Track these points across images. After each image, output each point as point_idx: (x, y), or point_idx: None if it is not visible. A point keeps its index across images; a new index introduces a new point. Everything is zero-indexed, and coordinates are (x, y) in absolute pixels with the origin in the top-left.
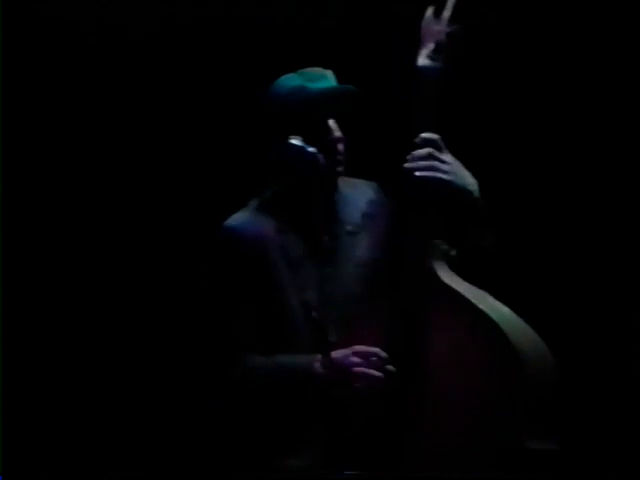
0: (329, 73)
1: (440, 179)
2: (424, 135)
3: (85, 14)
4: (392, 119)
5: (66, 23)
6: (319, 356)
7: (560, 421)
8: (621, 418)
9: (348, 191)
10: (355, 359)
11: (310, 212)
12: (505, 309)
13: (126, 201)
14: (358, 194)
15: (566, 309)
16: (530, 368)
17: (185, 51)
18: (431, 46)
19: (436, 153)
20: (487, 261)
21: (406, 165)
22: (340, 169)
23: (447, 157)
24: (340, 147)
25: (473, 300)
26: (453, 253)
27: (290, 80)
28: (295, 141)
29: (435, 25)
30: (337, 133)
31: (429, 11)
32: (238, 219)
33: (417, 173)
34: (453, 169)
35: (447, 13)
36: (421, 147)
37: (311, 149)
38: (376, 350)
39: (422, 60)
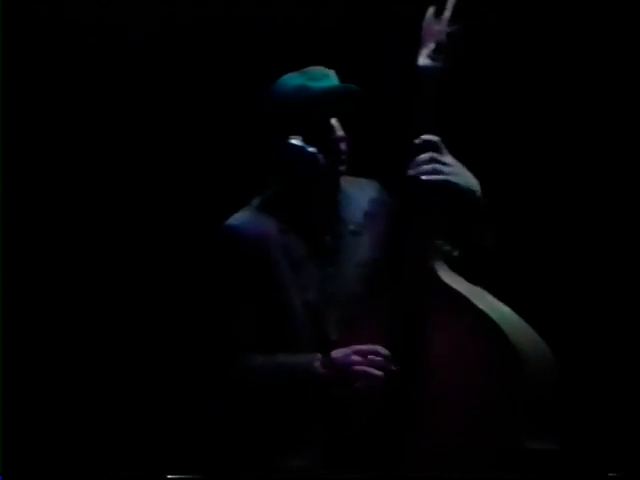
0: (331, 72)
1: (444, 181)
2: (424, 138)
3: (85, 14)
4: (392, 119)
5: (66, 23)
6: (319, 355)
7: (560, 421)
8: (621, 418)
9: (351, 190)
10: (356, 358)
11: (311, 212)
12: (506, 309)
13: (127, 201)
14: (361, 193)
15: (566, 309)
16: (530, 368)
17: (185, 51)
18: (432, 46)
19: (438, 156)
20: (488, 261)
21: (410, 172)
22: (342, 168)
23: (448, 159)
24: (342, 146)
25: (473, 300)
26: (455, 254)
27: (292, 79)
28: (295, 141)
29: (436, 25)
30: (339, 132)
31: (430, 11)
32: (239, 218)
33: (422, 177)
34: (456, 170)
35: (447, 13)
36: (421, 150)
37: (311, 149)
38: (376, 348)
39: (423, 60)
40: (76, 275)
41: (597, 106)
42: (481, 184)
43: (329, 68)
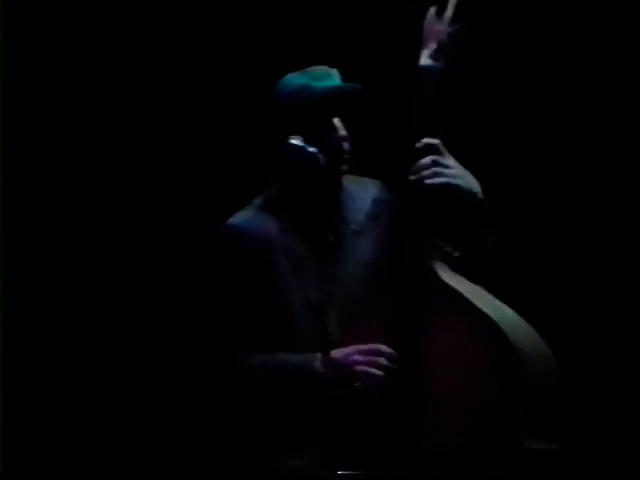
0: (334, 72)
1: (446, 184)
2: (425, 141)
3: (85, 14)
4: (392, 119)
5: (66, 23)
6: (319, 355)
7: (560, 421)
8: (621, 418)
9: (354, 190)
10: (356, 357)
11: (313, 211)
12: (506, 309)
13: (127, 201)
14: (363, 193)
15: (567, 309)
16: (530, 368)
17: (185, 51)
18: (433, 46)
19: (440, 159)
20: (490, 262)
21: (412, 177)
22: (345, 168)
23: (450, 161)
24: (345, 146)
25: (474, 300)
26: (456, 254)
27: (295, 79)
28: (295, 141)
29: (437, 25)
30: (342, 132)
31: (431, 11)
32: (240, 218)
33: (426, 181)
34: (458, 173)
35: (449, 13)
36: (423, 154)
37: (311, 149)
38: (378, 347)
39: (424, 60)
40: (77, 275)
41: (598, 107)
42: (482, 185)
43: (331, 68)
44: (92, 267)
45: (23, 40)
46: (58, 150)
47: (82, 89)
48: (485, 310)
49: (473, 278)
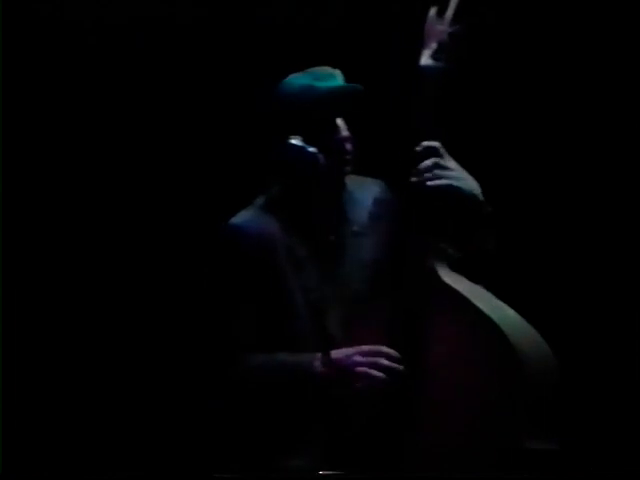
0: (337, 72)
1: (447, 186)
2: (425, 144)
3: (85, 14)
4: (393, 119)
5: (66, 23)
6: (319, 355)
7: (560, 421)
8: (621, 418)
9: (356, 190)
10: (357, 358)
11: (314, 211)
12: (507, 309)
13: (128, 201)
14: (366, 193)
15: (567, 309)
16: (530, 368)
17: (186, 51)
18: (434, 46)
19: (441, 161)
20: (490, 263)
21: (414, 180)
22: (348, 168)
23: (451, 163)
24: (348, 146)
25: (474, 300)
26: (457, 256)
27: (298, 79)
28: (295, 141)
29: (438, 25)
30: (345, 132)
31: (432, 11)
32: (242, 218)
33: (428, 183)
34: (459, 175)
35: (450, 13)
36: (423, 156)
37: (311, 149)
38: (380, 348)
39: (425, 60)
40: (77, 274)
41: (599, 108)
42: (482, 185)
43: (333, 68)
44: (93, 267)
45: (23, 40)
46: (58, 150)
47: (82, 89)
48: (485, 310)
49: (474, 278)
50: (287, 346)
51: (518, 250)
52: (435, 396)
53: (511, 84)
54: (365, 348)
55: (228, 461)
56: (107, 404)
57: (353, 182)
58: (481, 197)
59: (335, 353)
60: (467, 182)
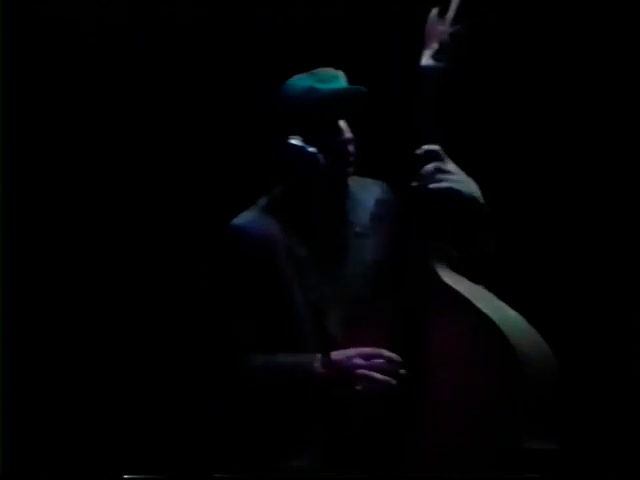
0: (340, 74)
1: (447, 189)
2: (426, 148)
3: (85, 14)
4: (393, 119)
5: (66, 23)
6: (319, 356)
7: (560, 421)
8: (621, 418)
9: (358, 191)
10: (357, 361)
11: (316, 212)
12: (507, 309)
13: (131, 201)
14: (368, 194)
15: (568, 310)
16: (530, 368)
17: (186, 52)
18: (435, 46)
19: (441, 165)
20: (490, 265)
21: (415, 184)
22: (350, 170)
23: (451, 166)
24: (351, 148)
25: (474, 301)
26: (458, 256)
27: (301, 81)
28: (295, 141)
29: (439, 25)
30: (348, 134)
31: (434, 11)
32: (244, 218)
33: (430, 186)
34: (459, 178)
35: (451, 13)
36: (424, 160)
37: (311, 149)
38: (380, 351)
39: (426, 60)
40: (78, 274)
41: (601, 111)
42: (482, 186)
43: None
44: (94, 267)
45: (23, 40)
46: (59, 150)
47: (82, 89)
48: (486, 311)
49: (474, 279)
50: (287, 346)
51: (519, 251)
52: (435, 396)
53: (512, 85)
54: (365, 350)
55: (228, 461)
56: (107, 404)
57: (355, 183)
58: (481, 200)
59: (335, 354)
60: (467, 185)
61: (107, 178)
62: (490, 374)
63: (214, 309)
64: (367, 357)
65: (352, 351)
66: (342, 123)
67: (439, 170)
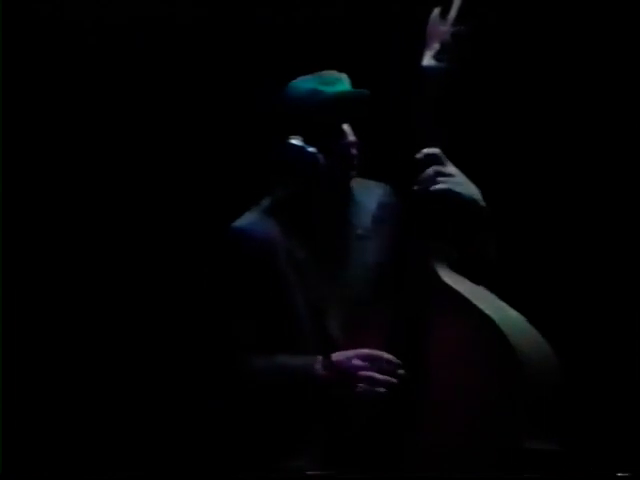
0: (344, 76)
1: (447, 191)
2: (426, 151)
3: (85, 14)
4: (393, 120)
5: (66, 23)
6: (319, 357)
7: (560, 421)
8: (621, 418)
9: (360, 193)
10: (358, 363)
11: (317, 214)
12: (508, 309)
13: (130, 202)
14: (370, 197)
15: (568, 310)
16: (530, 368)
17: (187, 52)
18: (436, 46)
19: (442, 169)
20: (491, 266)
21: (416, 188)
22: (353, 173)
23: (451, 169)
24: (353, 151)
25: (474, 301)
26: (457, 256)
27: (305, 83)
28: (295, 141)
29: (441, 25)
30: (351, 137)
31: (435, 11)
32: (245, 220)
33: (431, 188)
34: (459, 180)
35: (453, 14)
36: (424, 163)
37: (311, 149)
38: (380, 354)
39: (427, 60)
40: (78, 274)
41: (602, 112)
42: (482, 187)
43: (329, 69)
44: (94, 267)
45: (23, 40)
46: (59, 151)
47: (82, 89)
48: (486, 311)
49: (475, 279)
50: (288, 347)
51: (519, 251)
52: (435, 396)
53: (513, 85)
54: (366, 352)
55: (228, 461)
56: (107, 404)
57: (358, 185)
58: (481, 202)
59: (336, 356)
60: (467, 187)
61: (108, 179)
62: (490, 374)
63: (215, 310)
64: (367, 358)
65: (352, 352)
66: (345, 126)
67: (439, 173)
